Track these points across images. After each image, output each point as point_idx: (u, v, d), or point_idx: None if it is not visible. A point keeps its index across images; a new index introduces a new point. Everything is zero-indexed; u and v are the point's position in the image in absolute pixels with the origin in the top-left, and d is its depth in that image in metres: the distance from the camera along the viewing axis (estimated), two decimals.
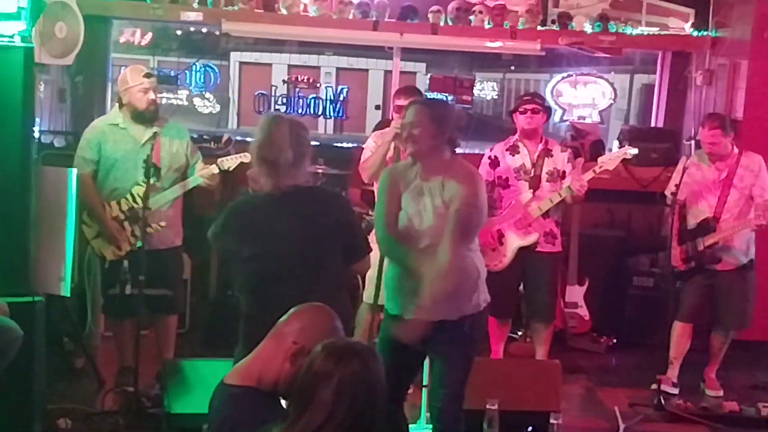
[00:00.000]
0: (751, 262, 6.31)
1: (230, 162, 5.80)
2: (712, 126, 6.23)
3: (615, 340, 7.24)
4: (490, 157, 6.24)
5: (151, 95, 5.63)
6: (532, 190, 6.10)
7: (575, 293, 7.08)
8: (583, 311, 7.10)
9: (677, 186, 6.11)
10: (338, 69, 11.97)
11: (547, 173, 6.11)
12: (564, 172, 6.12)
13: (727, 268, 6.25)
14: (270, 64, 11.82)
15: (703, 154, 6.32)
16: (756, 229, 6.12)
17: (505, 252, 6.11)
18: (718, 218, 6.20)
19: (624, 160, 6.48)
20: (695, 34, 7.82)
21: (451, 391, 4.33)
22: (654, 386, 6.07)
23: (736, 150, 6.30)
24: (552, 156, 6.15)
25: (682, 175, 6.14)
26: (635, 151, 6.27)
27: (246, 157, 5.78)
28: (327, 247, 3.99)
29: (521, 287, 6.30)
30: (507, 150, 6.21)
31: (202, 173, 5.76)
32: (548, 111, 6.32)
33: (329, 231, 3.99)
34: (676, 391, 6.33)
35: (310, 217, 3.98)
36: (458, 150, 4.39)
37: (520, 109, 6.16)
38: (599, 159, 6.18)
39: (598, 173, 6.08)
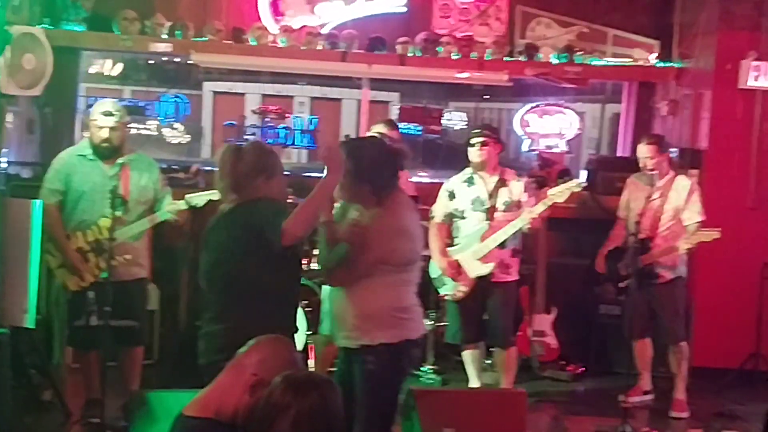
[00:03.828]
0: (679, 278, 6.56)
1: (198, 199, 5.80)
2: (649, 142, 6.55)
3: (583, 368, 7.28)
4: (447, 190, 6.33)
5: (105, 133, 5.63)
6: (488, 221, 6.17)
7: (543, 322, 7.12)
8: (551, 339, 7.13)
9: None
10: (312, 98, 12.04)
11: (503, 203, 6.19)
12: (520, 201, 6.21)
13: (659, 282, 6.49)
14: (243, 94, 11.86)
15: (641, 175, 6.51)
16: (686, 253, 6.38)
17: (463, 281, 6.20)
18: (653, 238, 6.43)
19: (589, 189, 6.57)
20: (660, 65, 7.94)
21: (360, 425, 4.34)
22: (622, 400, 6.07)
23: (672, 172, 6.55)
24: (507, 186, 6.23)
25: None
26: (583, 182, 6.38)
27: (215, 195, 5.83)
28: (248, 260, 4.05)
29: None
30: (463, 182, 6.30)
31: (169, 209, 5.77)
32: (500, 141, 6.35)
33: (247, 241, 4.05)
34: (651, 397, 6.65)
35: (234, 231, 4.09)
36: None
37: (470, 143, 6.24)
38: (549, 192, 6.23)
39: (549, 205, 6.12)
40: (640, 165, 6.53)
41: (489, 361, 6.86)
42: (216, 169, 4.26)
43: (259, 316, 3.95)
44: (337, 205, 4.39)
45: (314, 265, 6.21)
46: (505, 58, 7.81)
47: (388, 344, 4.29)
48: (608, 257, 6.72)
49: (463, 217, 6.25)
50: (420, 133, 8.31)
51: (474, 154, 6.21)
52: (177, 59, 8.26)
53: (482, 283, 6.22)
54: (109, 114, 5.65)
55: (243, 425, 3.00)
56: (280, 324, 3.91)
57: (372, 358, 4.27)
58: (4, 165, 6.37)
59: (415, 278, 4.45)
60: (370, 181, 4.24)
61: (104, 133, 5.63)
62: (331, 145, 4.12)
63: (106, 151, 5.67)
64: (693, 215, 6.40)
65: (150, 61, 9.04)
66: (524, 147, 8.40)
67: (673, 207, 6.44)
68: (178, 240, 7.22)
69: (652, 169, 6.44)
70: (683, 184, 6.50)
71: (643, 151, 6.49)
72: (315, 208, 4.10)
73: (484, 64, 7.76)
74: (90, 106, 6.73)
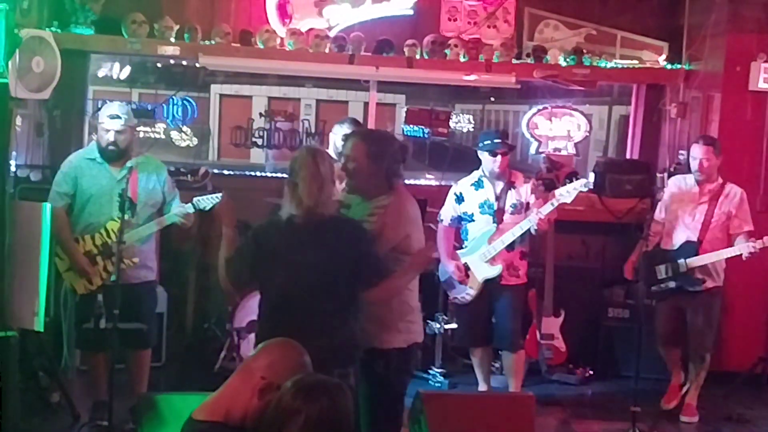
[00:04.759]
0: (717, 288, 6.43)
1: (206, 202, 5.78)
2: (706, 143, 6.39)
3: (591, 372, 7.27)
4: (455, 193, 6.33)
5: (111, 136, 5.64)
6: (496, 224, 6.17)
7: (551, 325, 7.10)
8: (559, 343, 7.11)
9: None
10: (318, 101, 12.03)
11: (510, 206, 6.20)
12: (528, 203, 6.21)
13: (701, 289, 6.37)
14: (250, 97, 11.84)
15: (690, 176, 6.41)
16: (747, 258, 6.20)
17: (472, 284, 6.20)
18: (702, 241, 6.32)
19: (597, 192, 6.53)
20: (669, 67, 7.92)
21: (368, 428, 4.33)
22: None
23: (720, 179, 6.44)
24: (515, 188, 6.24)
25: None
26: (590, 182, 6.34)
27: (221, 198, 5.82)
28: (341, 277, 4.06)
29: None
30: (471, 185, 6.29)
31: (177, 212, 5.77)
32: (513, 146, 6.37)
33: (346, 262, 4.04)
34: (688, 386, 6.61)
35: (330, 248, 4.04)
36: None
37: (490, 151, 6.18)
38: (556, 192, 6.21)
39: (557, 206, 6.11)
40: (692, 166, 6.43)
41: (497, 365, 6.85)
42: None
43: (338, 333, 4.01)
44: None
45: None
46: (513, 61, 7.79)
47: (399, 349, 4.31)
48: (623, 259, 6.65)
49: (472, 220, 6.26)
50: (427, 135, 8.26)
51: (494, 164, 6.18)
52: (185, 62, 8.26)
53: (490, 285, 6.22)
54: (115, 117, 5.65)
55: (252, 429, 3.00)
56: (348, 340, 4.06)
57: (383, 362, 4.28)
58: (13, 168, 6.38)
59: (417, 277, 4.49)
60: (385, 167, 4.26)
61: (111, 136, 5.64)
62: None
63: (113, 154, 5.67)
64: (742, 224, 6.32)
65: (158, 64, 9.02)
66: (532, 149, 8.39)
67: (724, 212, 6.34)
68: (186, 243, 7.24)
69: (703, 173, 6.34)
70: (735, 191, 6.39)
71: (699, 152, 6.34)
72: (406, 283, 4.28)
73: (491, 66, 7.74)
74: (98, 109, 6.73)
